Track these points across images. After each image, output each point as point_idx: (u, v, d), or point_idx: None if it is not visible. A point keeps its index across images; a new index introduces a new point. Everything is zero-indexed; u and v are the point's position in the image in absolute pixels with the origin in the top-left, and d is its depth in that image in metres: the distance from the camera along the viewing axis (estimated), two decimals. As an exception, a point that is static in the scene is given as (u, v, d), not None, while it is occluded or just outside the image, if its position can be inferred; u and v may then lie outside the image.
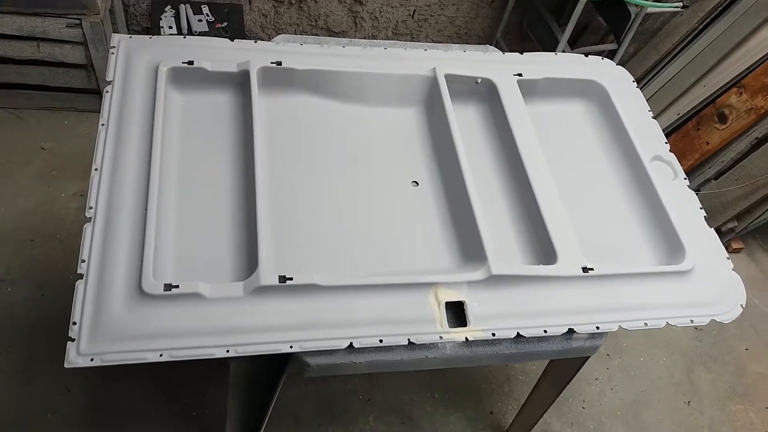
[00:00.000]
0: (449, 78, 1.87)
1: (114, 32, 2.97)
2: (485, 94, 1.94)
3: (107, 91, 1.62)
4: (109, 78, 1.65)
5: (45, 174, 2.86)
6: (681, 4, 3.23)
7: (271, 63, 1.73)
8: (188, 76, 1.70)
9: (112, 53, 1.70)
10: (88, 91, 3.04)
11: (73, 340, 1.24)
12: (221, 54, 1.75)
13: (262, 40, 3.58)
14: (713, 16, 3.23)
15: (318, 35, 3.66)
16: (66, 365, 1.22)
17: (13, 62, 2.85)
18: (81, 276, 1.32)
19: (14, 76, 2.92)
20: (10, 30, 2.69)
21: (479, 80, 1.91)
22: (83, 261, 1.34)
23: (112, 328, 1.27)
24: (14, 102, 3.04)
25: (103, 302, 1.29)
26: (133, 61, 1.69)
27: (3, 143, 2.92)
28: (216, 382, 2.41)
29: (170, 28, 3.08)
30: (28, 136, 2.98)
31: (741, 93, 3.08)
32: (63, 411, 2.25)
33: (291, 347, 1.32)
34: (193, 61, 1.69)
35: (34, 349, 2.36)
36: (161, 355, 1.26)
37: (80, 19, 2.70)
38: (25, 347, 2.36)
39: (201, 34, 3.08)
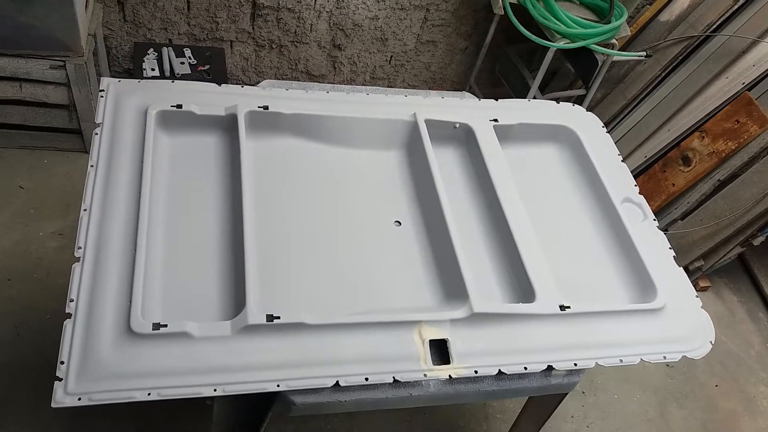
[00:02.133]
0: (429, 123, 1.94)
1: (97, 74, 3.01)
2: (463, 138, 2.02)
3: (96, 134, 1.65)
4: (98, 120, 1.68)
5: (23, 213, 2.85)
6: (644, 53, 3.40)
7: (258, 107, 1.79)
8: (177, 120, 1.74)
9: (102, 96, 1.74)
10: (68, 131, 3.05)
11: (60, 379, 1.25)
12: (209, 98, 1.80)
13: (244, 82, 3.68)
14: (675, 64, 3.41)
15: (298, 79, 3.75)
16: (53, 405, 1.22)
17: (-6, 102, 2.87)
18: (69, 315, 1.33)
19: (-6, 116, 2.93)
20: (-8, 71, 2.71)
21: (457, 125, 1.99)
22: (71, 300, 1.35)
23: (100, 367, 1.28)
24: (-7, 141, 3.04)
25: (91, 341, 1.30)
26: (122, 104, 1.74)
27: (-19, 182, 2.91)
28: (194, 422, 2.38)
29: (153, 70, 3.14)
30: (7, 175, 2.97)
31: (703, 137, 3.24)
32: (36, 455, 2.21)
33: (278, 386, 1.34)
34: (181, 105, 1.74)
35: (9, 389, 2.31)
36: (149, 394, 1.27)
37: (64, 61, 2.73)
38: (1, 387, 2.30)
39: (183, 76, 3.13)
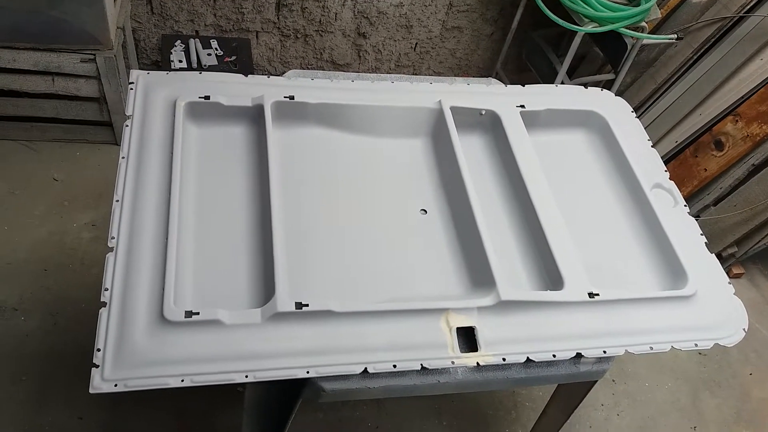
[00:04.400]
0: (455, 110, 1.93)
1: (126, 66, 3.06)
2: (489, 125, 2.01)
3: (127, 125, 1.68)
4: (128, 113, 1.71)
5: (57, 204, 2.92)
6: (675, 35, 3.32)
7: (285, 97, 1.80)
8: (205, 111, 1.77)
9: (131, 88, 1.77)
10: (100, 124, 3.11)
11: (97, 366, 1.28)
12: (236, 89, 1.82)
13: (270, 72, 3.71)
14: (707, 47, 3.33)
15: (323, 68, 3.75)
16: (91, 391, 1.25)
17: (28, 96, 2.93)
18: (104, 304, 1.36)
19: (28, 109, 2.99)
20: (26, 65, 2.77)
21: (483, 112, 1.98)
22: (106, 289, 1.38)
23: (134, 354, 1.31)
24: (28, 134, 3.11)
25: (125, 329, 1.33)
26: (152, 96, 1.76)
27: (16, 174, 2.99)
28: (226, 410, 2.43)
29: (180, 62, 3.17)
30: (41, 168, 3.04)
31: (737, 121, 3.16)
32: (74, 439, 2.28)
33: (308, 372, 1.36)
34: (209, 96, 1.76)
35: (47, 377, 2.38)
36: (182, 381, 1.30)
37: (94, 54, 2.78)
38: (38, 376, 2.38)
39: (210, 67, 3.16)
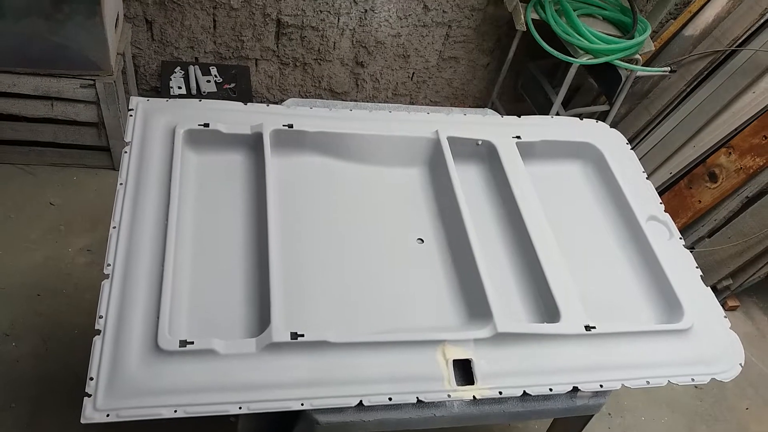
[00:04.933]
0: (451, 140, 1.95)
1: (125, 92, 3.08)
2: (486, 155, 2.02)
3: (125, 152, 1.69)
4: (127, 139, 1.72)
5: (53, 229, 2.91)
6: (669, 68, 3.38)
7: (283, 126, 1.82)
8: (204, 138, 1.78)
9: (131, 115, 1.78)
10: (98, 149, 3.12)
11: (89, 395, 1.27)
12: (235, 117, 1.84)
13: (268, 100, 3.73)
14: (700, 80, 3.38)
15: (321, 96, 3.79)
16: (82, 421, 1.24)
17: (27, 120, 2.94)
18: (98, 332, 1.35)
19: (27, 134, 3.00)
20: (26, 90, 2.78)
21: (480, 142, 2.00)
22: (101, 317, 1.37)
23: (128, 383, 1.29)
24: (26, 158, 3.11)
25: (119, 358, 1.32)
26: (151, 123, 1.77)
27: (13, 198, 2.98)
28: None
29: (179, 88, 3.19)
30: (38, 192, 3.04)
31: (730, 153, 3.19)
32: (64, 468, 2.23)
33: (302, 404, 1.34)
34: (208, 124, 1.78)
35: (38, 404, 2.34)
36: (176, 411, 1.28)
37: (94, 80, 2.80)
38: (29, 402, 2.34)
39: (209, 94, 3.18)
